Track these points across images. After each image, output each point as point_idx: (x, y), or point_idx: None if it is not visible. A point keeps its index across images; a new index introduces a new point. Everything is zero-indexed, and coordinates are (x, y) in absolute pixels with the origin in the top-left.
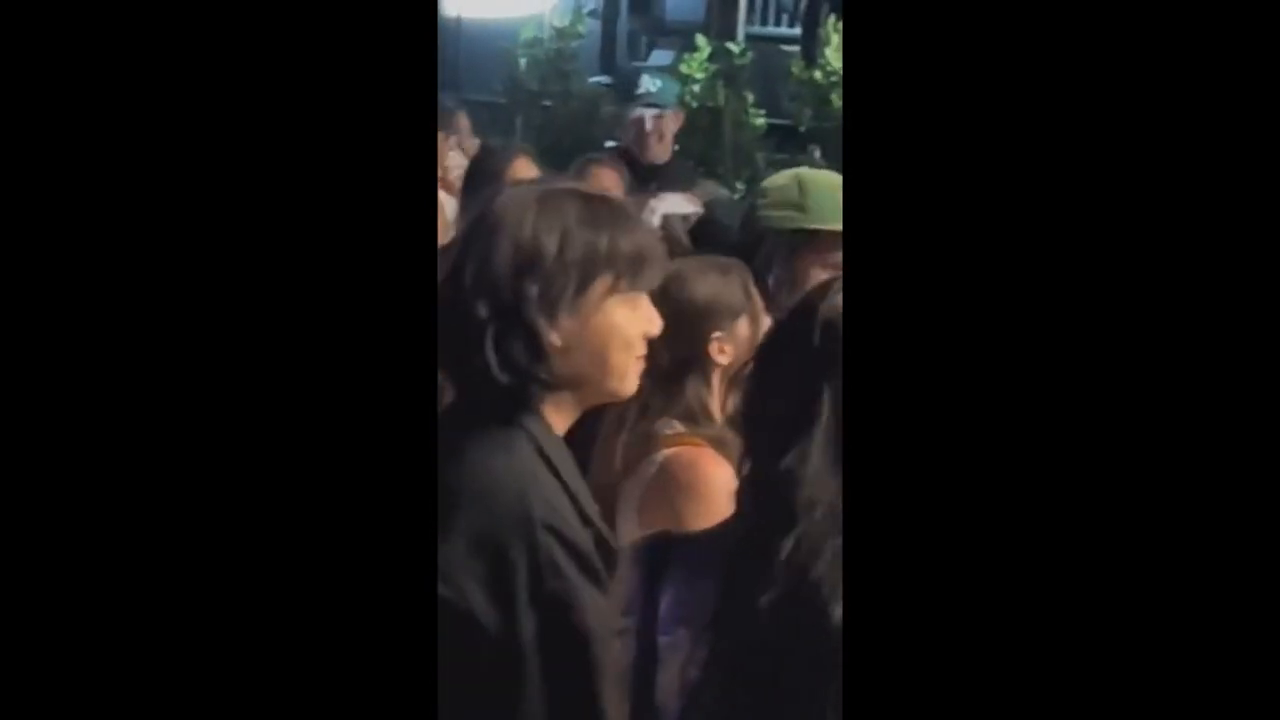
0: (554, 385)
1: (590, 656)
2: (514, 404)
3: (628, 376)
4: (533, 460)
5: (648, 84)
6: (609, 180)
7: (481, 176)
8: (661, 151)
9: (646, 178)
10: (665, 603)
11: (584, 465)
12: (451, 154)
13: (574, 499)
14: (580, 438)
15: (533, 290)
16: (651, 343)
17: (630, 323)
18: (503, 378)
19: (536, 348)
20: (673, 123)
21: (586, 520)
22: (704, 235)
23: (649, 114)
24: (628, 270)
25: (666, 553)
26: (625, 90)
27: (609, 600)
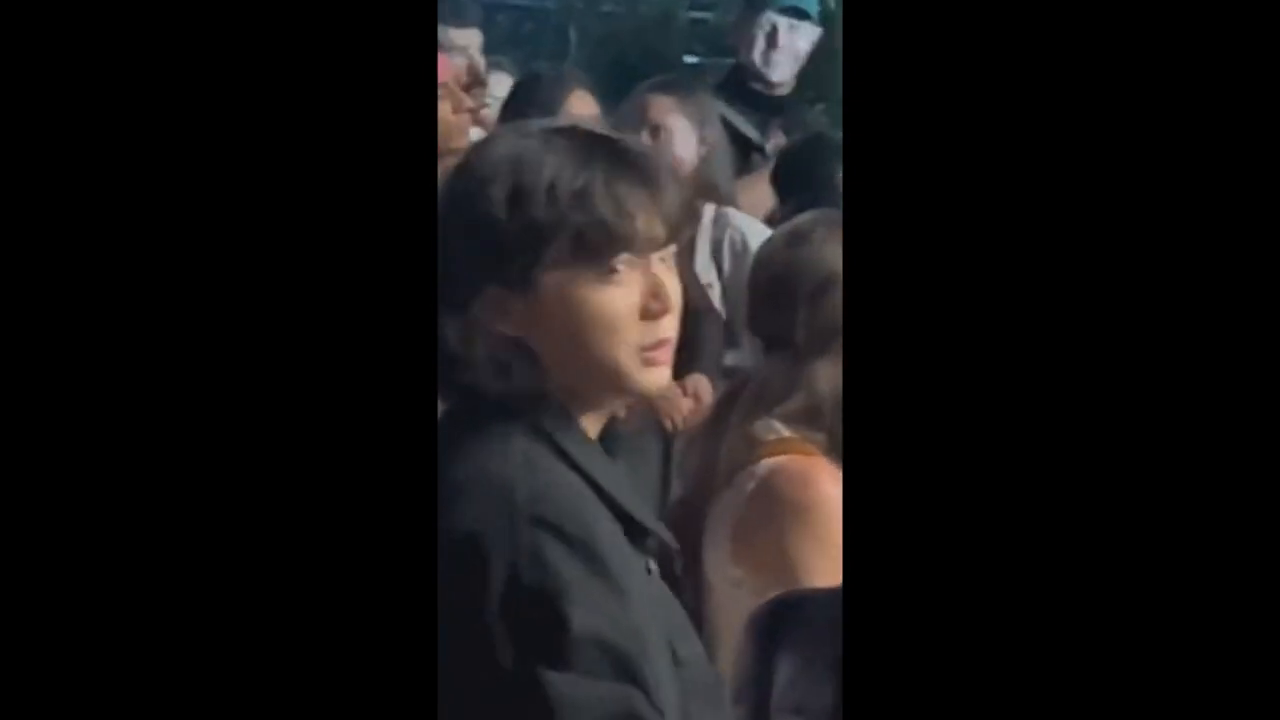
0: (550, 394)
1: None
2: (514, 403)
3: (632, 372)
4: (535, 455)
5: None
6: (664, 111)
7: (522, 115)
8: (788, 75)
9: (763, 107)
10: (779, 683)
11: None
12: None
13: (612, 501)
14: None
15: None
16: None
17: (617, 303)
18: (491, 387)
19: (527, 349)
20: (807, 38)
21: (637, 531)
22: None
23: (783, 21)
24: (610, 239)
25: (783, 618)
26: None
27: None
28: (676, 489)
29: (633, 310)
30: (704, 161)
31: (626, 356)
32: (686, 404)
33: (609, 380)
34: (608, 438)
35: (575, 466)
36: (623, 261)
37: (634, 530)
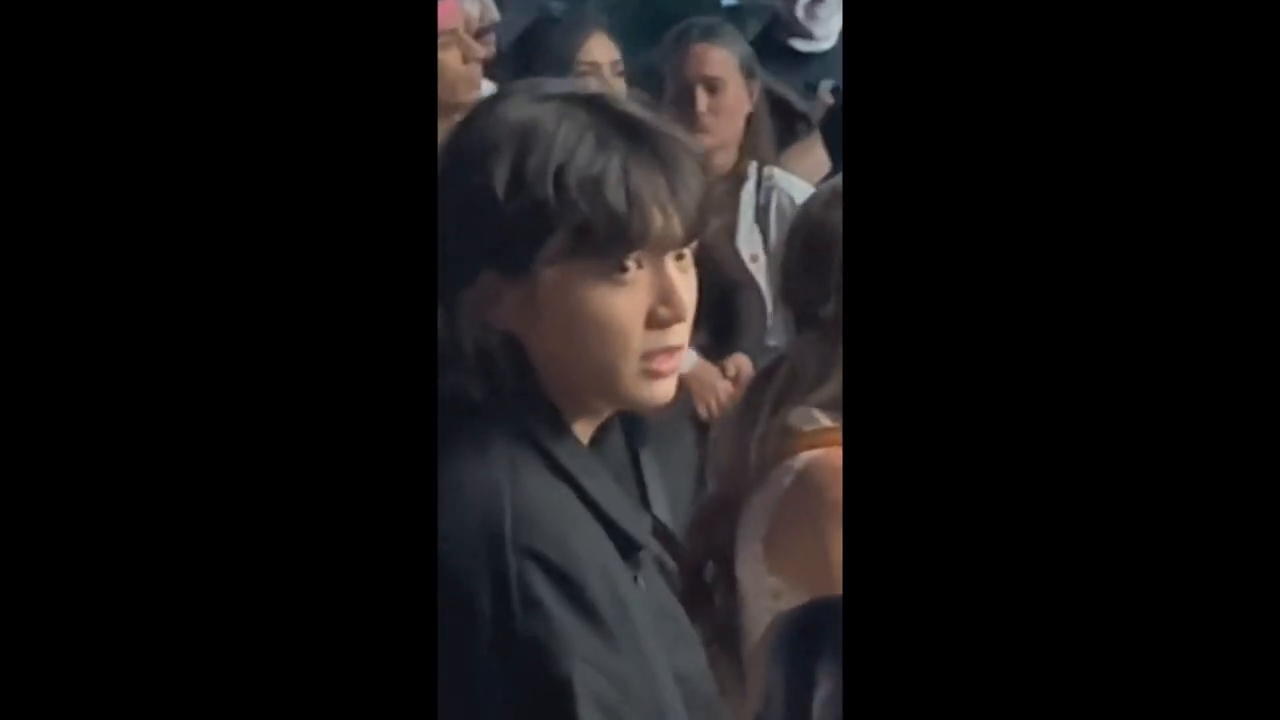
0: (538, 397)
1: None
2: (498, 405)
3: (632, 383)
4: (522, 464)
5: None
6: (718, 63)
7: (536, 60)
8: (834, 29)
9: (806, 66)
10: (819, 700)
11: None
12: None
13: (605, 516)
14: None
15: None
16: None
17: (623, 307)
18: (477, 392)
19: (518, 346)
20: None
21: (630, 545)
22: None
23: None
24: (624, 237)
25: (822, 626)
26: None
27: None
28: (711, 485)
29: (639, 316)
30: (751, 121)
31: (628, 366)
32: (724, 388)
33: (605, 389)
34: (600, 443)
35: (566, 478)
36: (633, 260)
37: (628, 546)
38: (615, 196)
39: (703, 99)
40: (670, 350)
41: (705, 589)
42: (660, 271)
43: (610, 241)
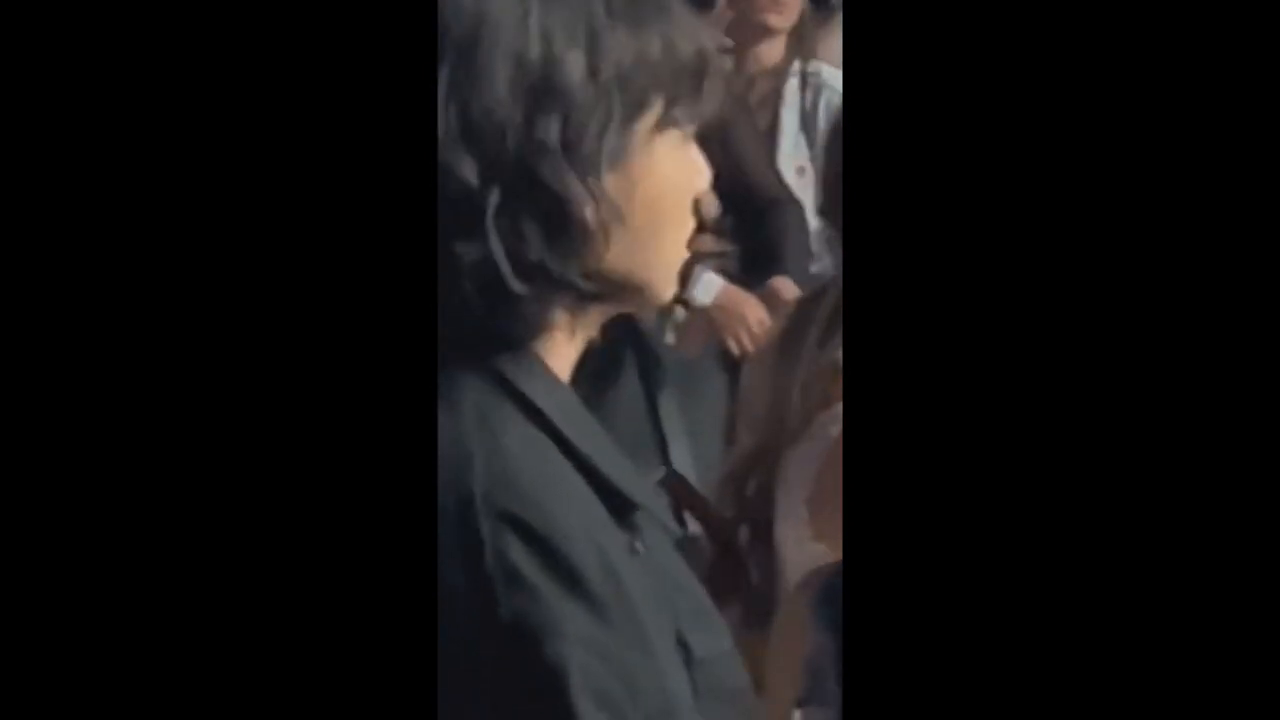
0: (594, 294)
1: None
2: (483, 337)
3: (673, 267)
4: (491, 412)
5: None
6: None
7: None
8: None
9: None
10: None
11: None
12: None
13: (600, 478)
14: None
15: (552, 135)
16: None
17: (683, 176)
18: (519, 287)
19: (567, 232)
20: None
21: (624, 505)
22: None
23: None
24: (685, 89)
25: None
26: None
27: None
28: (743, 436)
29: (690, 196)
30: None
31: (675, 250)
32: (758, 318)
33: (650, 276)
34: (586, 374)
35: (544, 425)
36: (690, 119)
37: (622, 506)
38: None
39: None
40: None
41: (738, 558)
42: (688, 144)
43: (642, 104)
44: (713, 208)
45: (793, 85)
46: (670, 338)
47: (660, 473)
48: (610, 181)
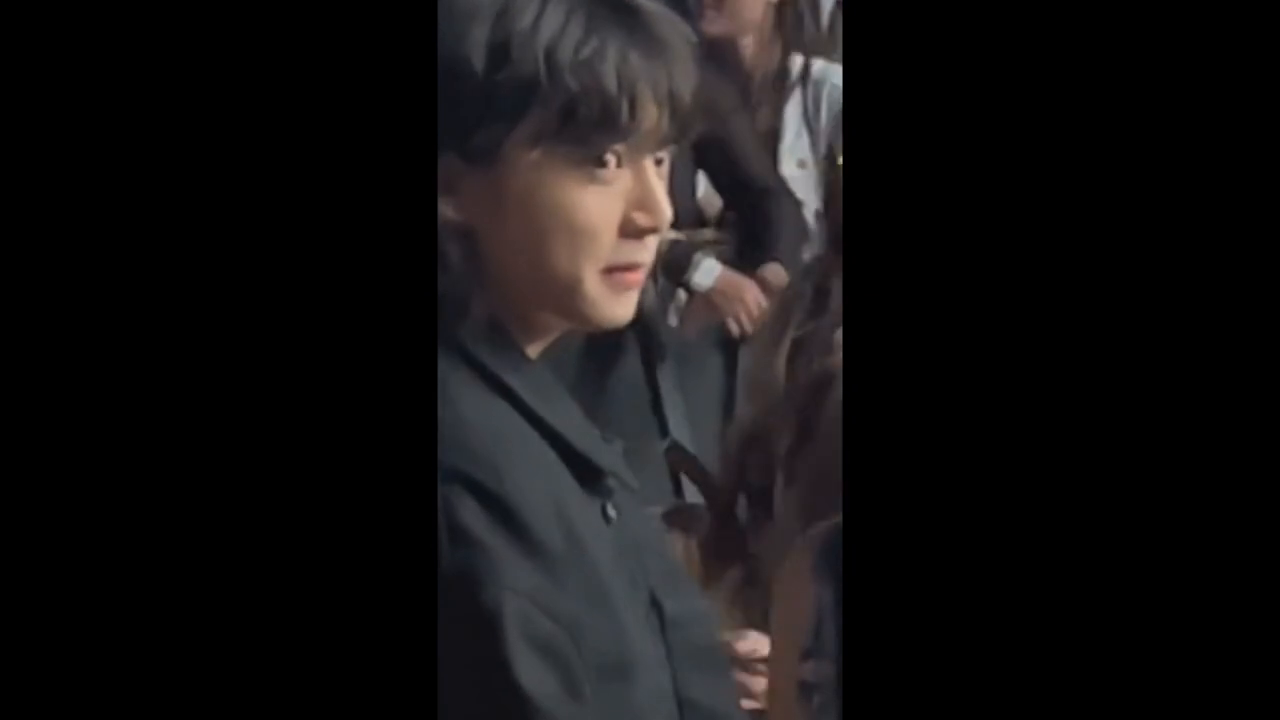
0: (482, 306)
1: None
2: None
3: (596, 296)
4: (455, 383)
5: None
6: None
7: None
8: None
9: None
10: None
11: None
12: None
13: (565, 444)
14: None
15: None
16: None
17: (598, 206)
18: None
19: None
20: None
21: (590, 471)
22: None
23: None
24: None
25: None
26: None
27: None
28: (742, 413)
29: (614, 220)
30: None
31: (591, 274)
32: (755, 299)
33: (562, 299)
34: (552, 356)
35: (507, 394)
36: (614, 154)
37: (588, 472)
38: (610, 79)
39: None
40: (638, 265)
41: (737, 527)
42: (641, 173)
43: (597, 128)
44: (714, 205)
45: (793, 78)
46: (673, 320)
47: (666, 442)
48: (469, 184)
